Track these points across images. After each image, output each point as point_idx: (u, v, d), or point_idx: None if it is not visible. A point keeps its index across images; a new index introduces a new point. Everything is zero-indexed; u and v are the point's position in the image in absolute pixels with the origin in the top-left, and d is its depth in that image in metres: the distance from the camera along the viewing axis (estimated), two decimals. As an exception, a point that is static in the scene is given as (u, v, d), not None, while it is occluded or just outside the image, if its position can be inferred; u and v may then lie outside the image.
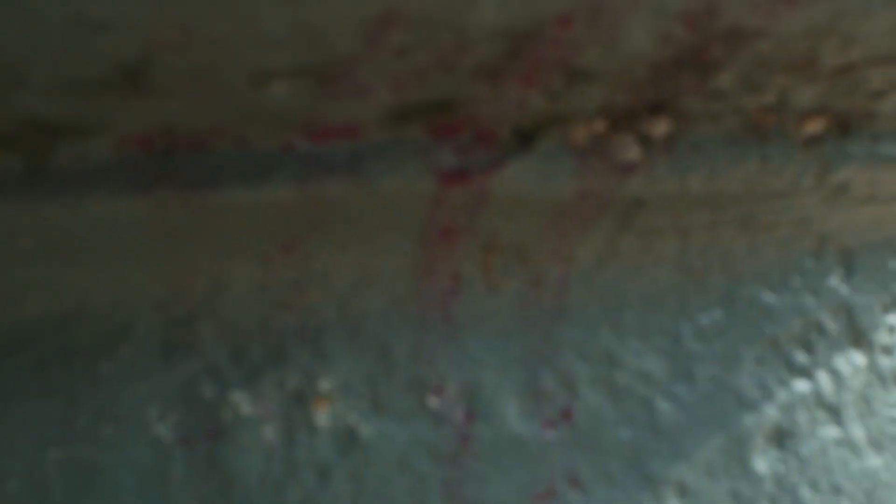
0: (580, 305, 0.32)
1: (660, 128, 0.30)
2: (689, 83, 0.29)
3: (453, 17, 0.25)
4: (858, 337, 0.35)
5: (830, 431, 0.34)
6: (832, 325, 0.35)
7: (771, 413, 0.33)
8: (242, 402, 0.30)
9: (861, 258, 0.36)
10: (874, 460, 0.35)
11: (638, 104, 0.29)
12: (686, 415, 0.32)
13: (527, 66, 0.27)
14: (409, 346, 0.31)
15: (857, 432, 0.35)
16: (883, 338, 0.36)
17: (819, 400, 0.34)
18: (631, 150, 0.30)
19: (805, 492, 0.33)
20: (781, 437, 0.33)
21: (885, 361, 0.36)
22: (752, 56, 0.28)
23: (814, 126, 0.32)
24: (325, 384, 0.30)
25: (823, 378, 0.34)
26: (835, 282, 0.35)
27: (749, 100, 0.30)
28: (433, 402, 0.31)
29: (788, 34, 0.28)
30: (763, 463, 0.33)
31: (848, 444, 0.35)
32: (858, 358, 0.35)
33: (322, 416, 0.30)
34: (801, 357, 0.34)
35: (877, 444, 0.35)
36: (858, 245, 0.35)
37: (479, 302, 0.31)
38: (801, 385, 0.34)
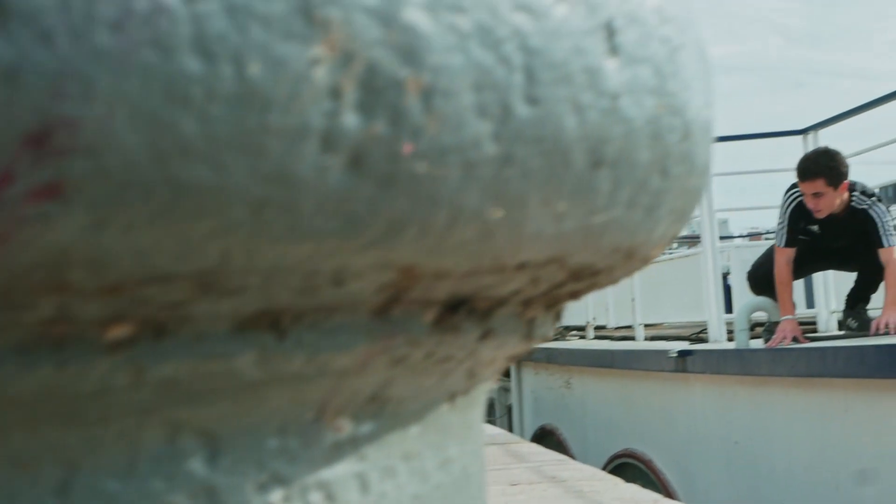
0: None
1: (-69, 342, 0.31)
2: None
3: None
4: (222, 518, 0.36)
5: None
6: (189, 508, 0.36)
7: None
8: None
9: (230, 440, 0.37)
10: None
11: None
12: None
13: None
14: None
15: None
16: (256, 516, 0.37)
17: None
18: None
19: None
20: None
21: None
22: (-6, 282, 0.29)
23: (118, 331, 0.33)
24: None
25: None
26: (195, 465, 0.36)
27: (22, 315, 0.31)
28: None
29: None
30: None
31: None
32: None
33: None
34: (148, 541, 0.35)
35: None
36: (228, 427, 0.37)
37: None
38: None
